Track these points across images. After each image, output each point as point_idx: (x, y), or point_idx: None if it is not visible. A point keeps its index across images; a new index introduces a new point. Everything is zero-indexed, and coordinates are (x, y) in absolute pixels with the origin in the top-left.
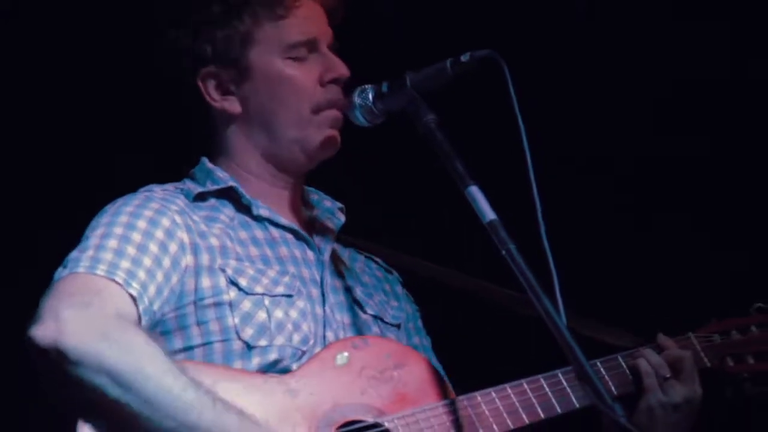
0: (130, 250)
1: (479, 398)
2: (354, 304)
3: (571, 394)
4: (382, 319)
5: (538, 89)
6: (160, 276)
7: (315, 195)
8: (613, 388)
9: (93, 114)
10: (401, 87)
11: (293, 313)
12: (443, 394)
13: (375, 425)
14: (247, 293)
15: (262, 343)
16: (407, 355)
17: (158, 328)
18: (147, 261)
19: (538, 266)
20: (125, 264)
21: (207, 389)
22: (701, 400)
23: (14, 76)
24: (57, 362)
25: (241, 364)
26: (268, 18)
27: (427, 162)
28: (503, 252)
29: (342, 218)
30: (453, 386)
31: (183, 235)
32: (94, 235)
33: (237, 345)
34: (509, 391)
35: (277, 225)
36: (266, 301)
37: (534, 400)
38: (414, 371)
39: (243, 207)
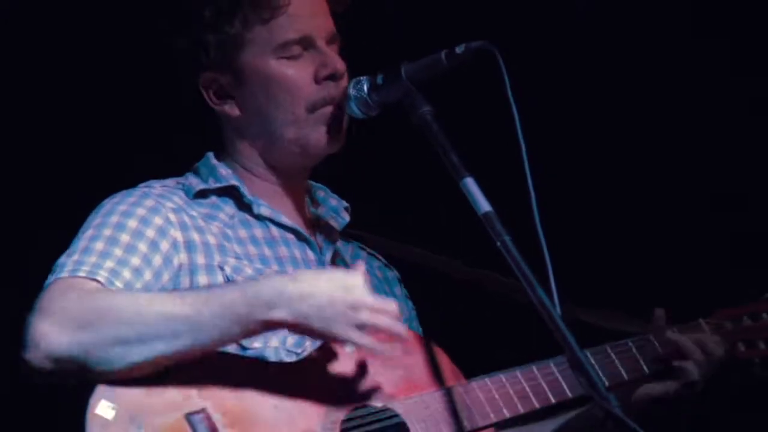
0: (117, 252)
1: (489, 383)
2: None
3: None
4: None
5: (533, 80)
6: (148, 274)
7: (321, 192)
8: (623, 372)
9: (95, 112)
10: (396, 78)
11: None
12: (453, 378)
13: (384, 409)
14: None
15: (256, 345)
16: (416, 342)
17: None
18: (134, 260)
19: (535, 257)
20: (109, 264)
21: (195, 289)
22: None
23: (15, 78)
24: (65, 366)
25: None
26: (257, 19)
27: (426, 151)
28: (498, 243)
29: (347, 218)
30: None
31: (176, 234)
32: (84, 237)
33: (231, 346)
34: (519, 377)
35: (278, 224)
36: None
37: (544, 385)
38: (423, 357)
39: (244, 205)
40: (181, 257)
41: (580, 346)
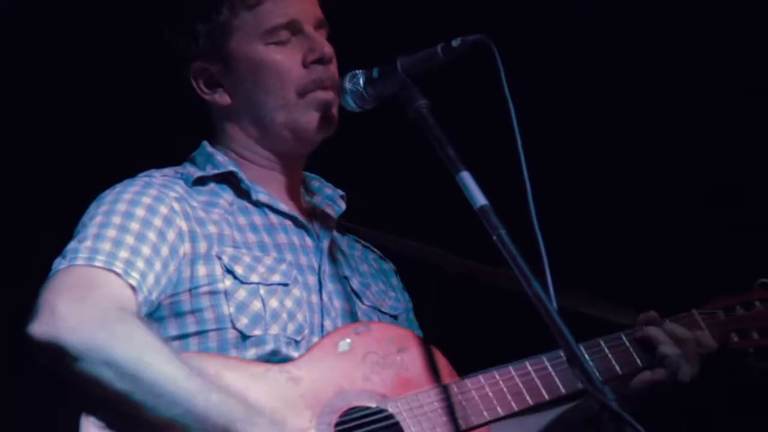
0: (129, 240)
1: (483, 380)
2: (352, 294)
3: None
4: (379, 310)
5: (529, 74)
6: (158, 265)
7: (316, 182)
8: (617, 367)
9: (89, 108)
10: (392, 72)
11: (288, 302)
12: (448, 376)
13: (379, 410)
14: (242, 282)
15: (257, 332)
16: (409, 340)
17: (153, 315)
18: (145, 250)
19: (531, 251)
20: (124, 254)
21: (210, 377)
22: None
23: (13, 74)
24: (58, 358)
25: (237, 354)
26: (244, 6)
27: (422, 144)
28: (494, 237)
29: (342, 206)
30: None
31: (181, 223)
32: (93, 224)
33: (231, 334)
34: (513, 373)
35: (276, 211)
36: (261, 290)
37: (537, 381)
38: (417, 355)
39: (242, 192)
40: (186, 247)
41: (576, 340)
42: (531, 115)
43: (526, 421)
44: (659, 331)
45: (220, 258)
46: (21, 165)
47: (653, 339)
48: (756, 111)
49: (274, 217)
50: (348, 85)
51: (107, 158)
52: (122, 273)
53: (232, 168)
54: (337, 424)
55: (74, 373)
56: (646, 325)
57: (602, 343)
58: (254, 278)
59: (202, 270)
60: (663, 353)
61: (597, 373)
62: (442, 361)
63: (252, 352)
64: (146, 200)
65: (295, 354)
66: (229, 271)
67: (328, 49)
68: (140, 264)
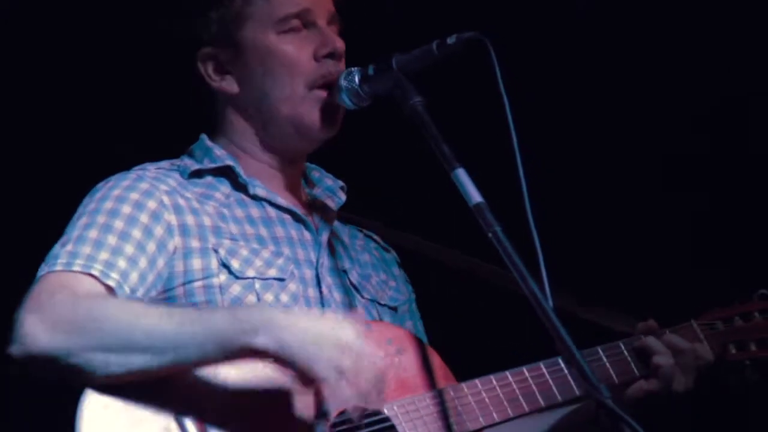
0: (111, 240)
1: (479, 386)
2: (351, 288)
3: (572, 382)
4: (378, 302)
5: (524, 71)
6: (143, 262)
7: (316, 172)
8: (614, 376)
9: (88, 105)
10: (387, 69)
11: (284, 297)
12: (444, 380)
13: (375, 412)
14: (237, 277)
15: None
16: (409, 341)
17: None
18: (128, 249)
19: (526, 248)
20: (104, 255)
21: (187, 306)
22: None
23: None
24: (48, 365)
25: None
26: None
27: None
28: (489, 235)
29: (343, 197)
30: (450, 366)
31: (170, 217)
32: (77, 225)
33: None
34: (510, 379)
35: (274, 205)
36: (257, 285)
37: (534, 388)
38: (415, 357)
39: (240, 186)
40: (176, 241)
41: (572, 337)
42: (526, 111)
43: (526, 423)
44: (656, 342)
45: (216, 251)
46: (19, 163)
47: (649, 349)
48: (757, 112)
49: (272, 211)
50: (343, 82)
51: (106, 152)
52: (100, 275)
53: (229, 162)
54: (334, 425)
55: (69, 372)
56: (645, 334)
57: (601, 351)
58: (250, 272)
59: (197, 263)
60: (657, 363)
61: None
62: (439, 364)
63: None
64: (134, 196)
65: None
66: (225, 266)
67: (340, 44)
68: (121, 263)
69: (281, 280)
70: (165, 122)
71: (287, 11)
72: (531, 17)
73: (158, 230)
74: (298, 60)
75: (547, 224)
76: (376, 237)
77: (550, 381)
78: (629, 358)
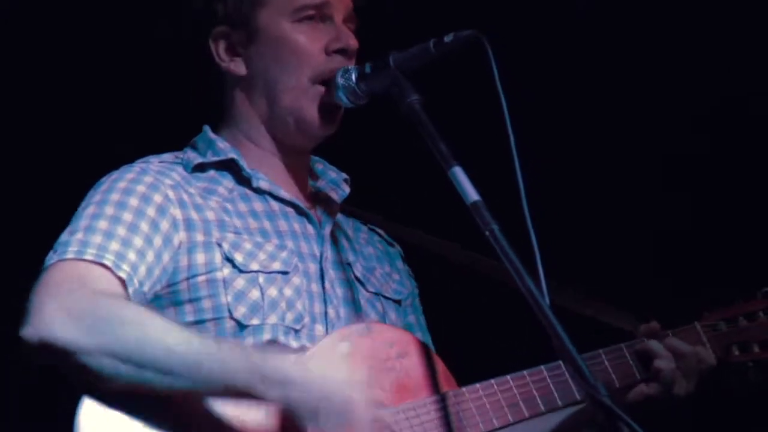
0: (120, 231)
1: (480, 391)
2: (355, 281)
3: (573, 386)
4: (383, 295)
5: (522, 70)
6: (150, 255)
7: (320, 164)
8: (615, 380)
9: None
10: (384, 68)
11: (288, 291)
12: (445, 384)
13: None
14: (241, 271)
15: (255, 321)
16: (410, 344)
17: (153, 305)
18: (137, 241)
19: (524, 246)
20: (114, 246)
21: (208, 337)
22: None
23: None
24: (58, 357)
25: None
26: None
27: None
28: (486, 233)
29: (347, 190)
30: (450, 363)
31: (175, 212)
32: (85, 214)
33: (229, 324)
34: (511, 383)
35: (277, 198)
36: (260, 279)
37: (535, 393)
38: (416, 361)
39: (243, 179)
40: (181, 236)
41: (570, 336)
42: (523, 109)
43: (528, 426)
44: (658, 345)
45: (220, 245)
46: (17, 161)
47: (651, 352)
48: (757, 111)
49: (275, 204)
50: (340, 80)
51: (109, 144)
52: (112, 266)
53: (232, 155)
54: None
55: (76, 369)
56: (648, 336)
57: (603, 354)
58: (254, 266)
59: (201, 258)
60: (658, 367)
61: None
62: (441, 368)
63: (249, 342)
64: (140, 188)
65: (294, 343)
66: (229, 260)
67: (353, 42)
68: (131, 256)
69: (285, 273)
70: (168, 114)
71: (306, 1)
72: (529, 15)
73: (164, 224)
74: (309, 51)
75: (545, 222)
76: (380, 231)
77: (551, 385)
78: (631, 362)
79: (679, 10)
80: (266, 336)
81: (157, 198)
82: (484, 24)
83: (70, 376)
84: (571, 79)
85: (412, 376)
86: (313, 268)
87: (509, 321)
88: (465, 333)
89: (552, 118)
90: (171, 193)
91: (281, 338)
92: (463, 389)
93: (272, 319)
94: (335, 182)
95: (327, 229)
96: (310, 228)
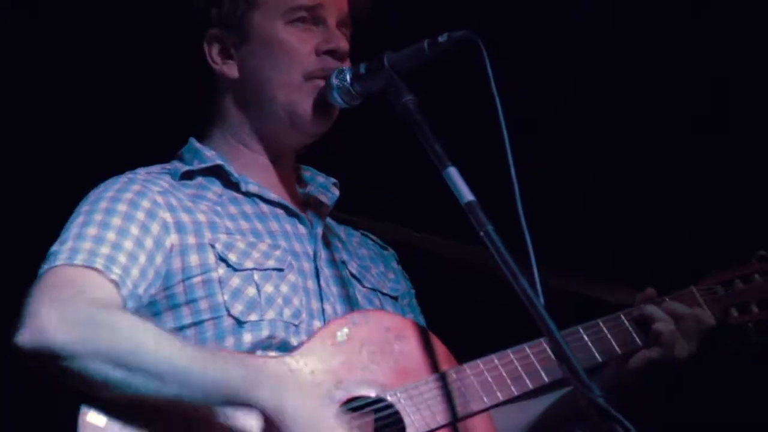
0: (110, 236)
1: (481, 366)
2: (351, 278)
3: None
4: (380, 291)
5: (517, 70)
6: (142, 258)
7: (308, 172)
8: (616, 347)
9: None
10: (379, 68)
11: (284, 287)
12: (447, 364)
13: (378, 400)
14: (236, 269)
15: (253, 317)
16: (407, 327)
17: (149, 310)
18: (128, 244)
19: (518, 246)
20: (104, 250)
21: (204, 348)
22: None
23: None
24: (48, 362)
25: (233, 341)
26: None
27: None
28: (481, 233)
29: (336, 192)
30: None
31: (165, 215)
32: (74, 224)
33: (227, 322)
34: (512, 357)
35: (266, 201)
36: (256, 276)
37: (537, 365)
38: (415, 343)
39: (231, 184)
40: (173, 238)
41: (567, 329)
42: (518, 110)
43: (527, 406)
44: (656, 309)
45: (213, 246)
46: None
47: (650, 317)
48: (745, 98)
49: (264, 207)
50: (335, 81)
51: (97, 160)
52: (103, 269)
53: (219, 162)
54: (337, 414)
55: (68, 374)
56: (645, 303)
57: (601, 323)
58: (248, 264)
59: (194, 259)
60: (657, 330)
61: (583, 371)
62: (440, 348)
63: (248, 338)
64: (128, 195)
65: (293, 339)
66: (223, 259)
67: (343, 44)
68: (122, 259)
69: (280, 270)
70: (157, 128)
71: (299, 2)
72: (523, 15)
73: (154, 227)
74: (300, 51)
75: (539, 210)
76: (372, 236)
77: (552, 356)
78: (630, 328)
79: (673, 12)
80: (265, 332)
81: (146, 203)
82: (478, 24)
83: (64, 382)
84: (564, 79)
85: (412, 358)
86: (307, 266)
87: (507, 317)
88: (463, 330)
89: (546, 118)
90: (159, 198)
91: (280, 334)
92: (464, 365)
93: (270, 314)
94: (324, 186)
95: (318, 230)
96: (301, 228)
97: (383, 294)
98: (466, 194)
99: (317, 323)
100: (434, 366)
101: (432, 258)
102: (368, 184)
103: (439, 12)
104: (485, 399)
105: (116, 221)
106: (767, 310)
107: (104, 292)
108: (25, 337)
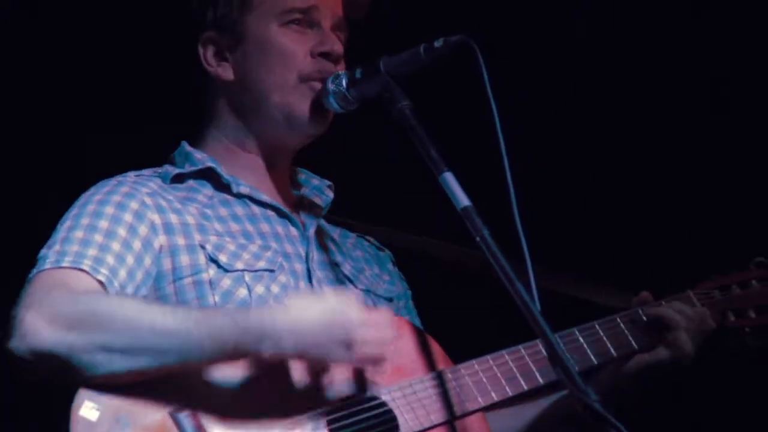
0: (97, 238)
1: (476, 366)
2: (344, 279)
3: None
4: (374, 293)
5: (513, 74)
6: (130, 259)
7: (302, 174)
8: (611, 349)
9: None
10: (375, 73)
11: (275, 288)
12: (442, 364)
13: (372, 398)
14: (226, 270)
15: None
16: (402, 326)
17: None
18: (115, 246)
19: (514, 251)
20: (92, 252)
21: (187, 309)
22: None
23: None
24: (47, 362)
25: None
26: None
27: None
28: (477, 238)
29: (330, 195)
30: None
31: (154, 216)
32: (62, 228)
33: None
34: (507, 357)
35: (257, 202)
36: (246, 277)
37: (531, 366)
38: (410, 342)
39: (222, 186)
40: (161, 239)
41: (562, 332)
42: (514, 114)
43: (521, 410)
44: (669, 310)
45: (203, 247)
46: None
47: (662, 317)
48: (744, 101)
49: (256, 208)
50: (331, 86)
51: (97, 161)
52: (90, 270)
53: (210, 164)
54: (330, 413)
55: (69, 370)
56: (641, 306)
57: (597, 326)
58: (239, 265)
59: (185, 260)
60: (671, 331)
61: (578, 375)
62: (435, 348)
63: None
64: (116, 198)
65: None
66: (213, 260)
67: (338, 47)
68: (110, 260)
69: (271, 271)
70: (154, 129)
71: (293, 4)
72: (518, 20)
73: (142, 229)
74: (293, 53)
75: (534, 224)
76: (368, 237)
77: (545, 360)
78: (626, 331)
79: (672, 13)
80: None
81: (134, 205)
82: (474, 29)
83: (66, 379)
84: (560, 84)
85: (407, 357)
86: (299, 268)
87: (503, 319)
88: (459, 332)
89: (542, 122)
90: (148, 200)
91: None
92: (459, 366)
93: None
94: (318, 189)
95: (311, 231)
96: (293, 230)
97: (377, 296)
98: (462, 199)
99: None
100: (429, 365)
101: (427, 260)
102: (363, 187)
103: (438, 14)
104: (480, 399)
105: (103, 224)
106: (764, 315)
107: (89, 288)
108: (17, 342)
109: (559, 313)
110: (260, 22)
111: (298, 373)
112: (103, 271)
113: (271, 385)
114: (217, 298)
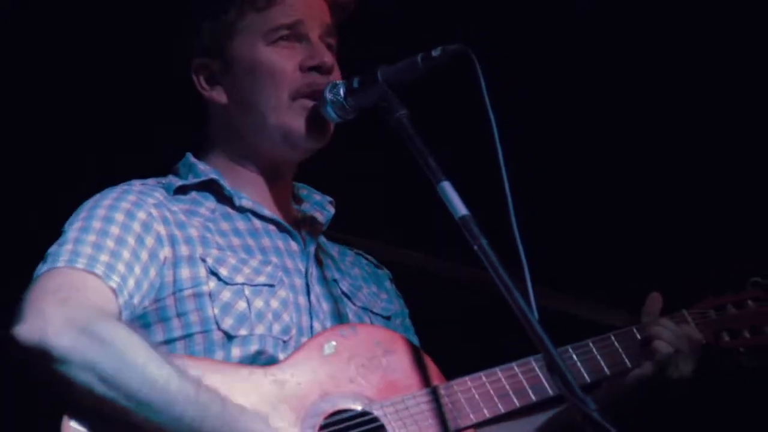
0: (109, 243)
1: (469, 383)
2: (342, 296)
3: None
4: (371, 311)
5: (510, 83)
6: (138, 269)
7: (304, 190)
8: (605, 367)
9: (84, 112)
10: (372, 82)
11: (274, 303)
12: (435, 379)
13: (364, 413)
14: (227, 283)
15: (242, 332)
16: (397, 342)
17: (139, 322)
18: (125, 254)
19: (512, 260)
20: (104, 257)
21: (191, 378)
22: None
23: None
24: (42, 361)
25: (223, 355)
26: (252, 8)
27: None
28: (475, 247)
29: (331, 210)
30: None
31: (159, 228)
32: (73, 228)
33: (217, 335)
34: (500, 375)
35: (259, 216)
36: (246, 291)
37: (524, 383)
38: (404, 358)
39: (225, 199)
40: (166, 251)
41: (563, 342)
42: (512, 123)
43: (514, 426)
44: (658, 328)
45: (204, 260)
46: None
47: (654, 334)
48: (743, 110)
49: (257, 222)
50: (329, 95)
51: (96, 162)
52: (103, 276)
53: (213, 176)
54: (322, 427)
55: (57, 377)
56: (648, 315)
57: (591, 344)
58: (239, 279)
59: (185, 272)
60: (655, 348)
61: (577, 385)
62: (429, 364)
63: (237, 352)
64: (125, 205)
65: (281, 354)
66: (214, 273)
67: (328, 58)
68: (120, 267)
69: (271, 286)
70: (157, 137)
71: (278, 22)
72: (517, 29)
73: (149, 240)
74: (283, 70)
75: (533, 232)
76: (367, 255)
77: (540, 375)
78: (620, 350)
79: (672, 13)
80: (254, 347)
81: (142, 215)
82: (472, 38)
83: (48, 384)
84: (557, 92)
85: (400, 373)
86: (299, 282)
87: (501, 334)
88: (455, 349)
89: (539, 131)
90: (154, 211)
91: (269, 350)
92: (452, 382)
93: (260, 329)
94: (320, 204)
95: (311, 248)
96: (294, 245)
97: (374, 314)
98: (460, 208)
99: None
100: (422, 381)
101: (426, 277)
102: (364, 203)
103: (437, 18)
104: (472, 416)
105: (114, 230)
106: (758, 335)
107: (103, 298)
108: (26, 332)
109: (554, 330)
110: (247, 44)
111: (292, 382)
112: (115, 278)
113: (263, 394)
114: (216, 311)
